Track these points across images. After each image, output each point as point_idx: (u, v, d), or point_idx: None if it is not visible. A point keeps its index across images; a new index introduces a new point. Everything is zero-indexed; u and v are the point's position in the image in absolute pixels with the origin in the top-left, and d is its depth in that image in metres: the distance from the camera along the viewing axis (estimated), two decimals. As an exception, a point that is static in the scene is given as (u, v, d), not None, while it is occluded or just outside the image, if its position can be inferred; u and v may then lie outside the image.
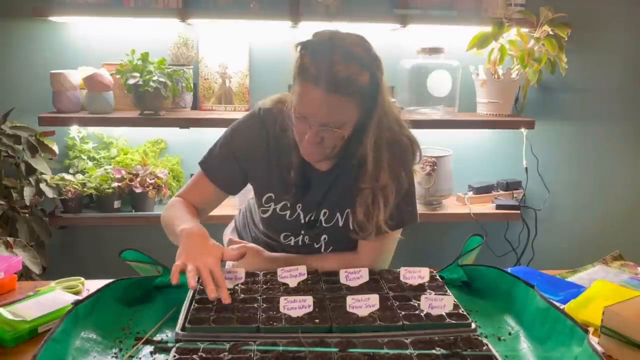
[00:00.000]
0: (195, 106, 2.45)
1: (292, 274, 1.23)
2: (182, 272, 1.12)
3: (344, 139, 1.25)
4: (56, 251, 2.46)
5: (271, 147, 1.37)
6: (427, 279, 1.23)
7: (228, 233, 1.66)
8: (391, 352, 0.96)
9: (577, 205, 2.74)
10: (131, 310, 1.18)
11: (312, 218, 1.39)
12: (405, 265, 1.25)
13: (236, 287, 1.20)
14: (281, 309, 1.07)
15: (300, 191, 1.36)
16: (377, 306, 1.08)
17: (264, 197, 1.40)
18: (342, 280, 1.23)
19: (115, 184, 2.29)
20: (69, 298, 1.18)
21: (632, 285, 1.33)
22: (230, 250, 1.24)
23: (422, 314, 1.09)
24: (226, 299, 1.09)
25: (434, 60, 2.40)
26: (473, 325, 1.07)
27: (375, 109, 1.24)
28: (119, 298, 1.17)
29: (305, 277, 1.23)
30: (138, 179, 2.30)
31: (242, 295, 1.17)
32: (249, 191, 1.49)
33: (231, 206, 2.26)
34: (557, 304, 1.11)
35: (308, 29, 2.16)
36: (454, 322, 1.06)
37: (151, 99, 2.21)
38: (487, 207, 2.53)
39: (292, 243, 1.43)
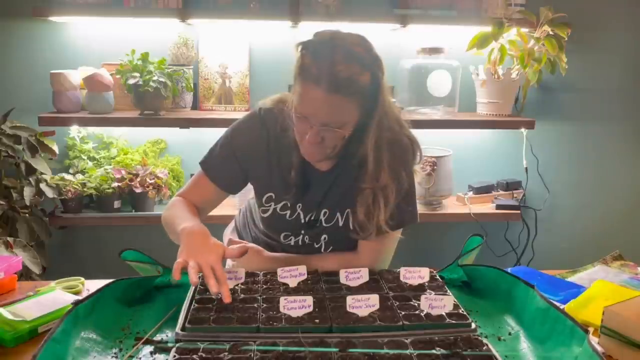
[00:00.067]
0: (195, 106, 2.45)
1: (292, 274, 1.23)
2: (184, 273, 1.12)
3: (345, 139, 1.25)
4: (56, 251, 2.46)
5: (271, 147, 1.37)
6: (427, 279, 1.23)
7: (228, 233, 1.66)
8: (391, 352, 0.96)
9: (577, 205, 2.74)
10: (131, 310, 1.18)
11: (312, 218, 1.39)
12: (405, 265, 1.25)
13: (236, 287, 1.20)
14: (281, 309, 1.07)
15: (300, 191, 1.36)
16: (377, 306, 1.08)
17: (264, 196, 1.40)
18: (342, 280, 1.23)
19: (115, 184, 2.29)
20: (69, 298, 1.18)
21: (632, 285, 1.33)
22: (232, 248, 1.24)
23: (422, 314, 1.09)
24: (227, 297, 1.09)
25: (434, 60, 2.40)
26: (473, 325, 1.07)
27: (376, 109, 1.24)
28: (119, 298, 1.17)
29: (305, 277, 1.23)
30: (138, 179, 2.30)
31: (242, 295, 1.17)
32: (249, 191, 1.49)
33: (231, 206, 2.26)
34: (557, 304, 1.11)
35: (308, 29, 2.17)
36: (454, 322, 1.06)
37: (151, 99, 2.21)
38: (487, 207, 2.53)
39: (292, 243, 1.43)
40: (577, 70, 2.50)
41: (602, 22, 2.56)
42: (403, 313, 1.09)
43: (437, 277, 1.28)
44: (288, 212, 1.39)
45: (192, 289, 1.19)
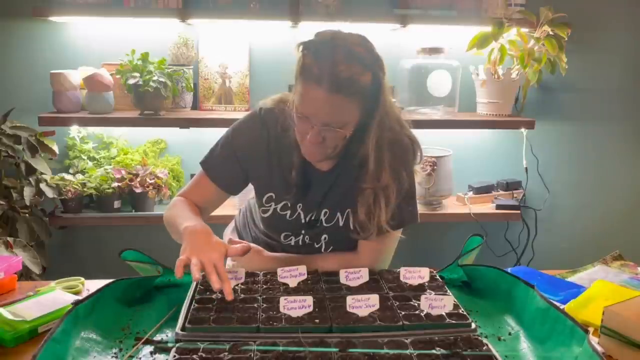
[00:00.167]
0: (195, 106, 2.45)
1: (292, 274, 1.23)
2: (186, 272, 1.12)
3: (346, 139, 1.25)
4: (56, 251, 2.46)
5: (272, 147, 1.37)
6: (427, 279, 1.23)
7: (228, 233, 1.66)
8: (391, 352, 0.96)
9: (577, 205, 2.74)
10: (131, 310, 1.18)
11: (313, 218, 1.39)
12: (405, 265, 1.25)
13: (236, 287, 1.20)
14: (281, 309, 1.07)
15: (301, 191, 1.36)
16: (377, 306, 1.08)
17: (264, 196, 1.40)
18: (342, 280, 1.23)
19: (115, 184, 2.29)
20: (69, 298, 1.18)
21: (632, 285, 1.33)
22: (234, 247, 1.24)
23: (422, 314, 1.09)
24: (229, 294, 1.09)
25: (434, 60, 2.40)
26: (473, 325, 1.07)
27: (377, 108, 1.24)
28: (119, 298, 1.17)
29: (305, 277, 1.23)
30: (138, 179, 2.30)
31: (242, 295, 1.17)
32: (249, 191, 1.49)
33: (231, 206, 2.26)
34: (557, 304, 1.11)
35: (308, 29, 2.17)
36: (454, 322, 1.06)
37: (151, 99, 2.21)
38: (487, 207, 2.53)
39: (292, 243, 1.43)
40: (577, 70, 2.50)
41: (602, 22, 2.56)
42: (403, 313, 1.09)
43: (437, 277, 1.28)
44: (288, 212, 1.39)
45: (192, 289, 1.19)
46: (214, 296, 1.15)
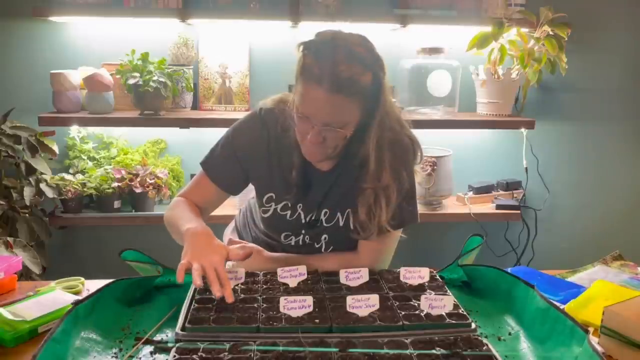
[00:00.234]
0: (195, 106, 2.45)
1: (292, 274, 1.23)
2: (187, 274, 1.12)
3: (346, 139, 1.25)
4: (56, 251, 2.46)
5: (272, 147, 1.37)
6: (427, 279, 1.23)
7: (228, 233, 1.66)
8: (391, 352, 0.96)
9: (577, 205, 2.74)
10: (131, 310, 1.18)
11: (313, 218, 1.39)
12: (405, 265, 1.25)
13: (236, 287, 1.20)
14: (281, 309, 1.07)
15: (301, 191, 1.36)
16: (377, 306, 1.08)
17: (265, 196, 1.40)
18: (342, 280, 1.23)
19: (115, 184, 2.29)
20: (69, 298, 1.18)
21: (632, 285, 1.33)
22: (236, 250, 1.24)
23: (422, 314, 1.09)
24: (229, 297, 1.09)
25: (434, 60, 2.40)
26: (473, 325, 1.07)
27: (378, 108, 1.24)
28: (119, 298, 1.17)
29: (305, 277, 1.23)
30: (138, 179, 2.30)
31: (242, 295, 1.17)
32: (249, 191, 1.49)
33: (231, 206, 2.26)
34: (557, 304, 1.11)
35: (308, 29, 2.17)
36: (454, 322, 1.06)
37: (151, 99, 2.21)
38: (487, 207, 2.53)
39: (292, 243, 1.43)
40: (577, 70, 2.50)
41: (602, 22, 2.56)
42: (403, 313, 1.09)
43: (437, 277, 1.28)
44: (289, 212, 1.39)
45: (192, 288, 1.19)
46: (214, 296, 1.15)
